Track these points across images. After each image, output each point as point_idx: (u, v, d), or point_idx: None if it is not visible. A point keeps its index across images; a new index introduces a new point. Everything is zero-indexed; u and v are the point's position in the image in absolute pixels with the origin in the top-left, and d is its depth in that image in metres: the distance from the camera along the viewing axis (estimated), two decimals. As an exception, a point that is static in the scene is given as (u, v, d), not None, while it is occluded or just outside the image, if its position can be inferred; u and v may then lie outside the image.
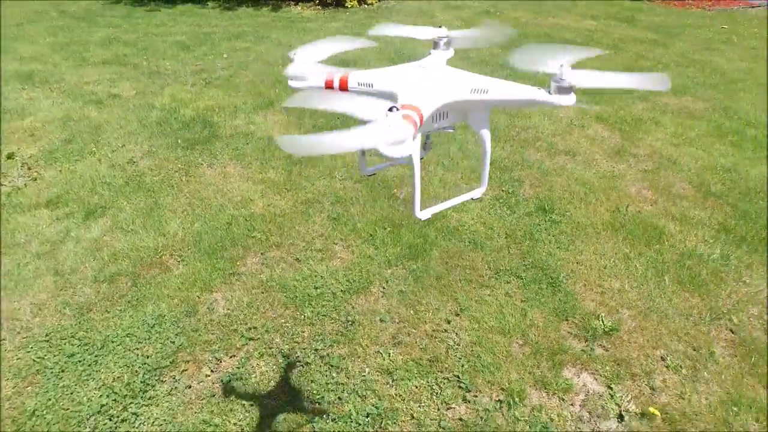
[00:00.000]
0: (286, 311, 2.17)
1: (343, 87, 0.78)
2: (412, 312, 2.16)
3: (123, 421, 1.73)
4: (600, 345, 2.00)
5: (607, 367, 1.91)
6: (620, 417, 1.74)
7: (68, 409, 1.78)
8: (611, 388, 1.83)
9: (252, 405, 1.79)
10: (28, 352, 1.99)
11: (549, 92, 0.69)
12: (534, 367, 1.90)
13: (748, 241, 2.56)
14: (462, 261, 2.43)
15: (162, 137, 3.66)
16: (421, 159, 0.81)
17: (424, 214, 0.80)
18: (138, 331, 2.07)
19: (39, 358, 1.97)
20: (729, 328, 2.07)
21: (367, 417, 1.73)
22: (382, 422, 1.71)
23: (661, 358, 1.95)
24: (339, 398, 1.81)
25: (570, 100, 0.69)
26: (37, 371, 1.91)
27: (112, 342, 2.03)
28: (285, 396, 1.83)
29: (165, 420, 1.74)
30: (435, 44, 0.87)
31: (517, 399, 1.78)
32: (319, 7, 8.18)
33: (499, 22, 7.18)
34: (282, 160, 3.31)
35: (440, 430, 1.70)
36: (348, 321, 2.12)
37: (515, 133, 3.71)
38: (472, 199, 0.89)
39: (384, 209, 2.81)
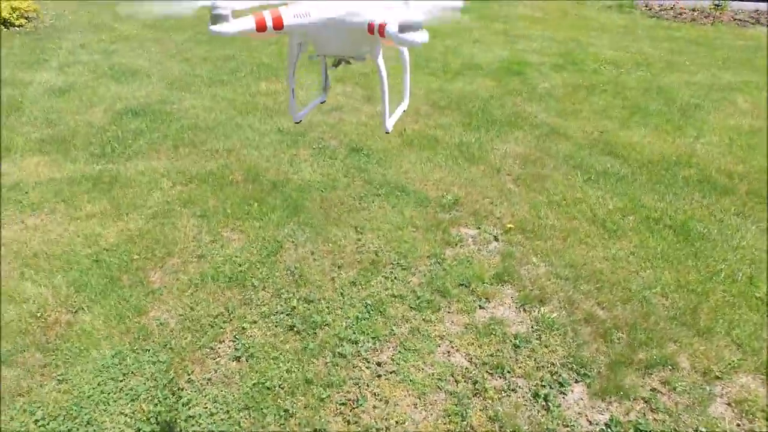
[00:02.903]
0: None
1: (278, 25, 0.78)
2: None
3: None
4: (455, 211, 2.95)
5: (470, 220, 2.87)
6: (496, 238, 2.72)
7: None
8: (478, 228, 2.80)
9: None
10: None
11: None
12: (434, 238, 2.69)
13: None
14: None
15: None
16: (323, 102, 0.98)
17: (390, 127, 1.00)
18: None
19: None
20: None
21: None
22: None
23: (490, 202, 3.04)
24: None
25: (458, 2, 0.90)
26: None
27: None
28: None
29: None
30: None
31: (439, 257, 2.54)
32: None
33: None
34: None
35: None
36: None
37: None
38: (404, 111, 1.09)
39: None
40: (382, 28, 0.74)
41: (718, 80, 5.04)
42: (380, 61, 0.86)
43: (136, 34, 6.84)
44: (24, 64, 5.61)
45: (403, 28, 0.72)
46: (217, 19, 0.72)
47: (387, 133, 0.94)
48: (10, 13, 6.89)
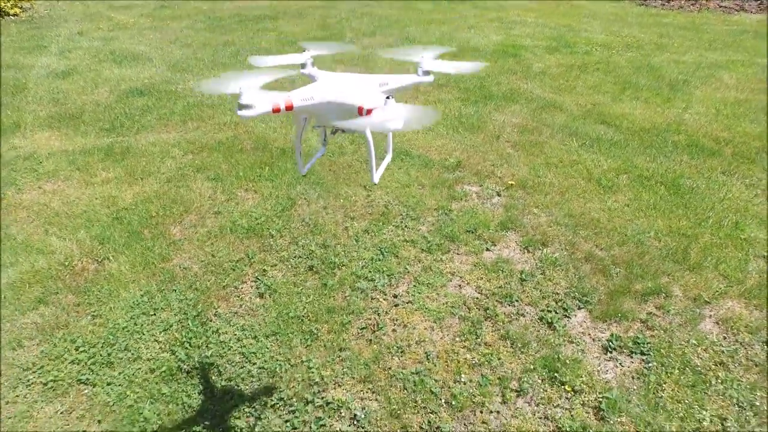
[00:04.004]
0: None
1: (289, 108, 0.93)
2: (347, 197, 2.78)
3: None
4: (458, 172, 3.13)
5: (473, 179, 3.06)
6: (498, 194, 2.91)
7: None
8: (481, 186, 2.99)
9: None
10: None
11: (419, 75, 1.07)
12: (440, 194, 2.87)
13: (481, 102, 4.20)
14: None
15: None
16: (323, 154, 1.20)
17: (376, 179, 1.13)
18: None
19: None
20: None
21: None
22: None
23: (491, 164, 3.23)
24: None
25: (430, 78, 1.07)
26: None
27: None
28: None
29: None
30: (304, 65, 1.13)
31: (446, 209, 2.72)
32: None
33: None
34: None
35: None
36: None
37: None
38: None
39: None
40: (369, 112, 0.94)
41: (705, 59, 5.30)
42: (368, 132, 1.02)
43: (133, 22, 6.98)
44: (24, 50, 5.72)
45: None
46: (242, 106, 0.89)
47: (375, 184, 1.16)
48: (5, 3, 6.99)
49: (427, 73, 1.08)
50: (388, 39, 6.17)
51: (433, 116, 1.07)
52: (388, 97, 0.93)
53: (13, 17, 7.11)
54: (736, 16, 7.29)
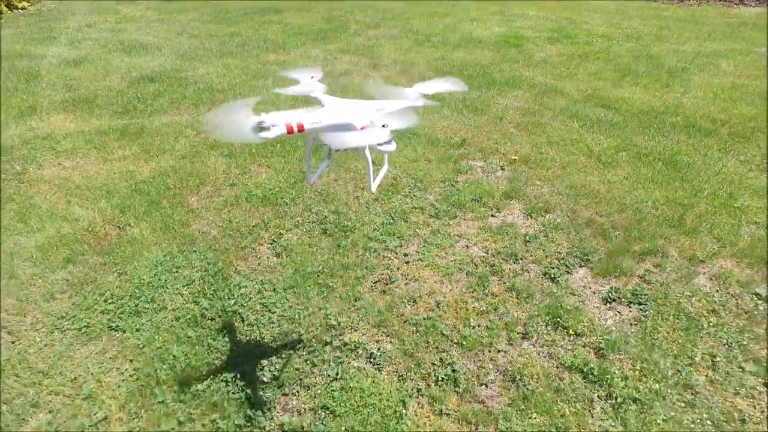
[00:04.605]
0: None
1: (300, 129, 1.10)
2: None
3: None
4: (463, 149, 3.28)
5: (477, 155, 3.20)
6: (502, 168, 3.05)
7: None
8: (485, 161, 3.13)
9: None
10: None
11: (411, 99, 1.27)
12: (446, 167, 3.01)
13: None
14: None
15: None
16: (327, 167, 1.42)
17: (374, 189, 1.34)
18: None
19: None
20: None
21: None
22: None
23: (495, 142, 3.37)
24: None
25: (420, 102, 1.29)
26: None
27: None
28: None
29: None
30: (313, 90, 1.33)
31: (452, 180, 2.86)
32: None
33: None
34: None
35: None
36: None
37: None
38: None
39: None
40: (363, 128, 1.14)
41: (704, 49, 5.46)
42: (367, 151, 1.23)
43: (140, 15, 7.15)
44: (35, 41, 5.88)
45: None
46: (261, 129, 1.06)
47: (372, 193, 1.32)
48: (14, -4, 7.16)
49: (418, 98, 1.28)
50: (392, 31, 6.34)
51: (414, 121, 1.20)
52: (384, 126, 1.10)
53: (21, 11, 7.27)
54: (736, 9, 7.46)
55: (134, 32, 6.27)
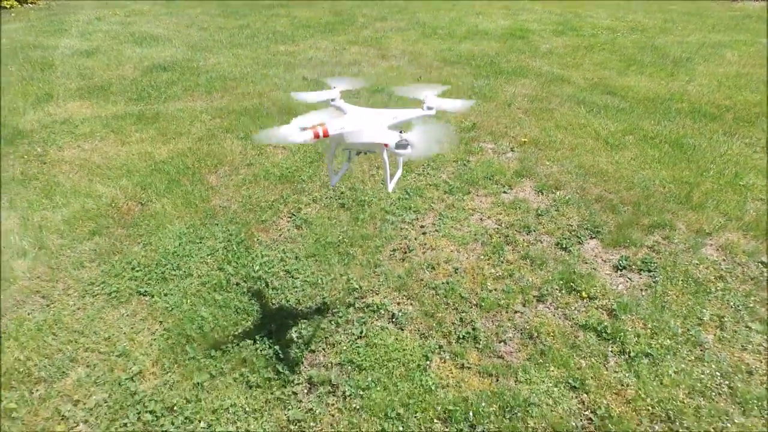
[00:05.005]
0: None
1: (326, 135, 1.20)
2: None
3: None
4: (474, 132, 3.36)
5: (488, 138, 3.28)
6: (512, 149, 3.13)
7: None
8: (495, 143, 3.21)
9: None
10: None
11: (423, 109, 1.39)
12: (458, 149, 3.09)
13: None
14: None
15: None
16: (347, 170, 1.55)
17: (390, 188, 1.44)
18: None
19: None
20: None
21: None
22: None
23: (504, 126, 3.45)
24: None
25: (432, 111, 1.40)
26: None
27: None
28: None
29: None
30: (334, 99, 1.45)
31: (464, 161, 2.94)
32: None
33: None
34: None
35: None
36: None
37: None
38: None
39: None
40: (386, 145, 1.25)
41: (709, 40, 5.54)
42: (385, 155, 1.33)
43: (149, 9, 7.24)
44: (46, 33, 5.97)
45: (398, 146, 1.25)
46: (290, 134, 1.18)
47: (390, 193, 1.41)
48: (24, -10, 7.26)
49: (430, 108, 1.39)
50: (399, 23, 6.43)
51: (448, 134, 1.34)
52: (400, 132, 1.21)
53: (31, 5, 7.37)
54: (740, 3, 7.55)
55: (144, 25, 6.37)
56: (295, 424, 1.54)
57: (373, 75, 4.48)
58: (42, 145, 3.27)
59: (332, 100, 1.45)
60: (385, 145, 1.23)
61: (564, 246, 2.26)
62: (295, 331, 1.85)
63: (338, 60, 4.95)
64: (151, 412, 1.58)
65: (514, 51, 5.23)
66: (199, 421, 1.56)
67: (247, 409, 1.59)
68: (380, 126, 1.28)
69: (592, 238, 2.34)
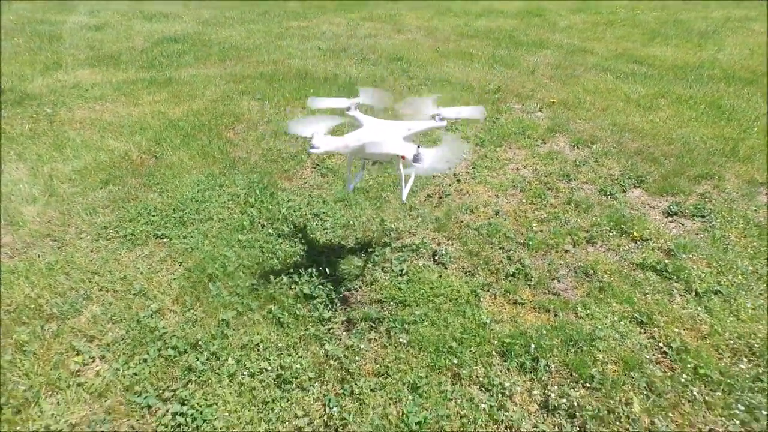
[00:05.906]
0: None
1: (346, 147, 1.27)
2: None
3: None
4: (499, 94, 3.21)
5: (514, 99, 3.13)
6: (541, 110, 2.98)
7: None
8: (523, 104, 3.06)
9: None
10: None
11: (435, 121, 1.43)
12: (488, 108, 2.94)
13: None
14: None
15: None
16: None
17: (404, 198, 1.41)
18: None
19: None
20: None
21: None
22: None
23: (530, 89, 3.30)
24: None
25: (443, 123, 1.44)
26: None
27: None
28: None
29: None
30: (349, 108, 1.52)
31: (493, 118, 2.79)
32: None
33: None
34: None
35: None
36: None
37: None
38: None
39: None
40: (403, 157, 1.27)
41: (734, 15, 5.39)
42: (400, 165, 1.35)
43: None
44: (53, 10, 5.85)
45: (415, 159, 1.26)
46: (313, 146, 1.22)
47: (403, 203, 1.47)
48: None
49: (442, 119, 1.43)
50: (412, 2, 6.30)
51: (464, 149, 1.29)
52: (418, 146, 1.23)
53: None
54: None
55: (154, 3, 6.25)
56: (336, 360, 1.38)
57: (389, 46, 4.35)
58: (51, 107, 3.13)
59: (348, 109, 1.51)
60: (402, 157, 1.25)
61: (608, 192, 2.11)
62: (328, 270, 1.69)
63: (353, 33, 4.81)
64: (173, 347, 1.43)
65: (532, 26, 5.09)
66: (227, 357, 1.41)
67: (279, 345, 1.44)
68: (398, 138, 1.32)
69: (636, 187, 2.19)
